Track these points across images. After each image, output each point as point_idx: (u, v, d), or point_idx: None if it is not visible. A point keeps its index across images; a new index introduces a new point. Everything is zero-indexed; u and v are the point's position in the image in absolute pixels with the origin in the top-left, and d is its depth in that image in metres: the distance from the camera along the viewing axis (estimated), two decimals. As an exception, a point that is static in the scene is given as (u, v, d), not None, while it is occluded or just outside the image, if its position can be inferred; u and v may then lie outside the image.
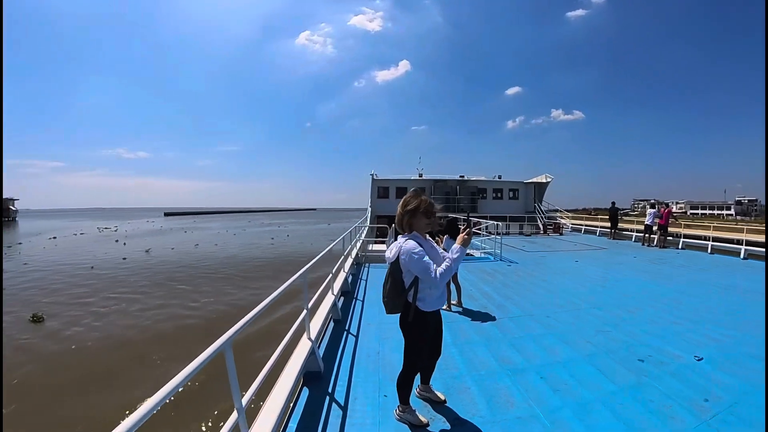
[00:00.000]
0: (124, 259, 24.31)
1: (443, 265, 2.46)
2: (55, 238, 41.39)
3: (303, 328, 3.77)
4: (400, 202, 2.67)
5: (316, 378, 3.61)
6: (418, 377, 3.01)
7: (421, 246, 2.52)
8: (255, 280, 17.88)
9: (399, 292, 2.61)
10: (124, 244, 34.61)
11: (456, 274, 5.31)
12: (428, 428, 2.79)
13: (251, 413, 2.47)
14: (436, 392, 3.14)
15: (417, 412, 2.86)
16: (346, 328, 5.09)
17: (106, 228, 55.99)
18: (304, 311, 3.74)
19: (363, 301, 6.41)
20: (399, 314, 2.68)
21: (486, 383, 3.45)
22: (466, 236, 2.49)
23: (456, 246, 2.48)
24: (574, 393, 3.25)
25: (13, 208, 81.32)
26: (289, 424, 2.88)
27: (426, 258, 2.48)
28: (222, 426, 1.96)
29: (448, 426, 2.83)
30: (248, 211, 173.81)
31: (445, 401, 3.11)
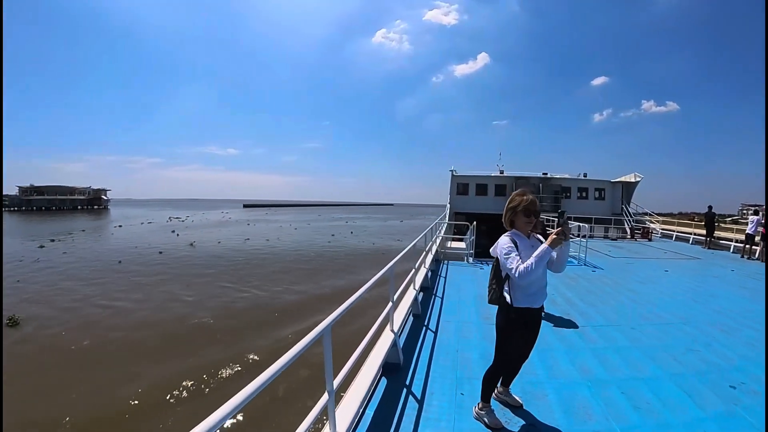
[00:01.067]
0: (161, 253, 24.63)
1: (524, 264, 2.48)
2: (120, 226, 45.02)
3: (387, 320, 3.90)
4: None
5: (395, 369, 3.74)
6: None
7: (513, 243, 2.61)
8: (260, 286, 16.41)
9: (498, 284, 2.76)
10: (177, 234, 36.27)
11: None
12: (504, 430, 2.80)
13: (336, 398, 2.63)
14: (515, 396, 3.13)
15: (495, 413, 2.90)
16: (425, 323, 5.18)
17: (176, 218, 60.43)
18: (390, 303, 3.95)
19: (442, 298, 6.51)
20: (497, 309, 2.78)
21: (564, 392, 3.39)
22: (554, 236, 2.47)
23: (543, 246, 2.49)
24: (656, 413, 3.08)
25: (105, 198, 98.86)
26: (366, 411, 2.99)
27: (513, 255, 2.55)
28: (312, 407, 2.11)
29: (523, 431, 2.80)
30: (325, 205, 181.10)
31: (521, 406, 3.08)
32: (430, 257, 8.21)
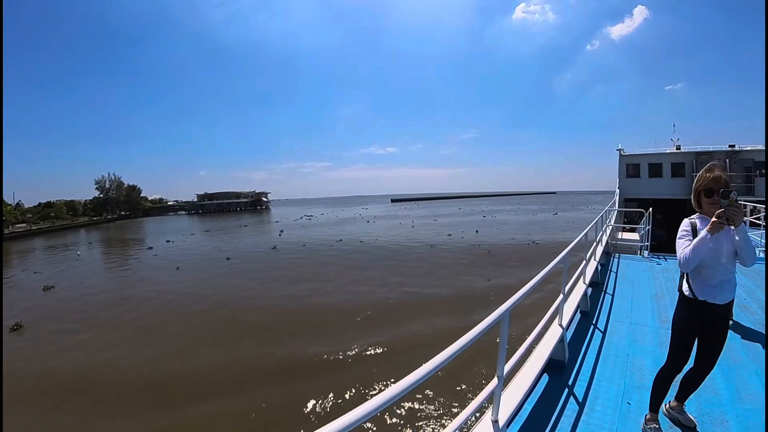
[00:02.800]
0: (228, 259, 26.03)
1: (685, 250, 2.36)
2: (246, 226, 53.27)
3: (556, 313, 3.81)
4: None
5: (559, 366, 3.64)
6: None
7: (692, 228, 2.48)
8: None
9: (682, 273, 2.61)
10: (280, 234, 40.49)
11: None
12: None
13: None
14: (689, 414, 2.82)
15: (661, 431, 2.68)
16: (594, 321, 4.93)
17: (309, 216, 66.78)
18: (561, 296, 3.79)
19: (612, 295, 6.07)
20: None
21: (751, 420, 2.90)
22: (715, 219, 2.24)
23: (702, 231, 2.31)
24: None
25: (265, 200, 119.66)
26: (525, 406, 2.95)
27: (683, 240, 2.45)
28: (484, 387, 2.27)
29: None
30: (478, 196, 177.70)
31: (695, 427, 2.76)
32: (600, 249, 7.67)
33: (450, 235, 33.71)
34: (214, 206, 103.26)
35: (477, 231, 36.17)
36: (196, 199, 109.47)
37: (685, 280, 2.55)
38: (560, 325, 3.76)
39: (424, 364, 1.58)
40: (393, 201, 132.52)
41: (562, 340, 3.65)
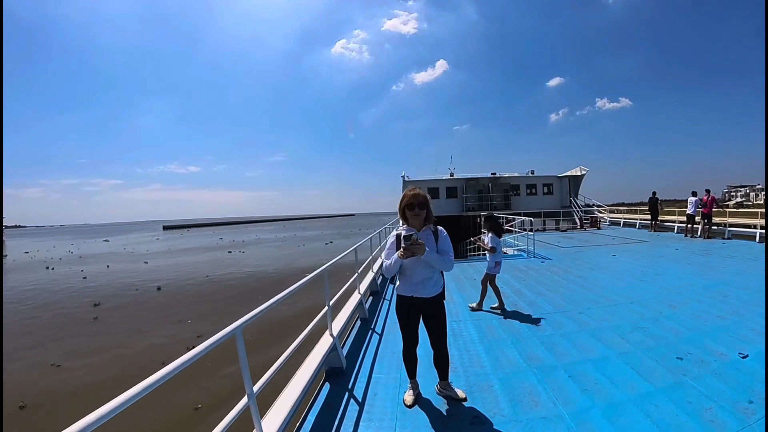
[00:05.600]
0: None
1: (386, 262, 2.96)
2: None
3: (326, 326, 4.06)
4: None
5: (338, 374, 3.84)
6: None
7: (394, 240, 2.98)
8: None
9: None
10: None
11: (493, 277, 5.70)
12: (447, 425, 2.87)
13: (266, 403, 2.72)
14: (456, 390, 3.24)
15: (410, 391, 3.21)
16: (372, 327, 5.32)
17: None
18: (326, 308, 4.00)
19: (391, 301, 6.51)
20: None
21: (511, 382, 3.47)
22: (401, 254, 2.77)
23: (395, 254, 2.87)
24: (605, 393, 3.17)
25: None
26: (308, 417, 3.09)
27: (389, 251, 2.99)
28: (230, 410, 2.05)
29: (467, 424, 2.87)
30: (274, 220, 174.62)
31: (465, 399, 3.18)
32: (379, 262, 8.24)
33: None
34: None
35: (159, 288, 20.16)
36: None
37: (397, 280, 3.07)
38: (331, 335, 3.97)
39: (127, 391, 1.38)
40: (165, 228, 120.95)
41: (334, 348, 3.87)
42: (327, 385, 3.58)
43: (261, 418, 2.38)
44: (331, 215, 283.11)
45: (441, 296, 3.01)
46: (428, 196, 2.99)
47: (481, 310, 5.63)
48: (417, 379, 3.27)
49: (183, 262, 30.07)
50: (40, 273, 27.00)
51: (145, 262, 30.73)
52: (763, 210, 13.35)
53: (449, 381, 3.22)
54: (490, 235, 5.73)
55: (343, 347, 4.36)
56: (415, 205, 2.86)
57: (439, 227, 3.01)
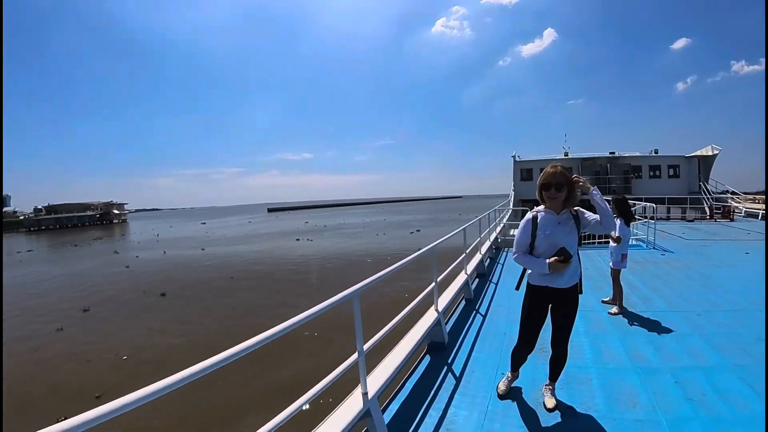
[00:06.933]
0: None
1: (517, 255, 2.72)
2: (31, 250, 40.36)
3: (431, 301, 4.21)
4: None
5: (439, 348, 4.04)
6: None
7: (530, 222, 2.68)
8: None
9: None
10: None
11: (618, 272, 5.19)
12: (538, 411, 2.89)
13: (370, 365, 2.92)
14: (551, 396, 2.99)
15: (507, 382, 3.15)
16: (476, 307, 5.44)
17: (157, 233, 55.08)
18: (433, 284, 4.19)
19: (497, 284, 6.74)
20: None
21: (610, 378, 3.36)
22: (559, 265, 2.54)
23: (542, 261, 2.60)
24: (711, 406, 2.91)
25: (116, 212, 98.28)
26: (407, 384, 3.34)
27: (522, 235, 2.71)
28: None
29: (558, 415, 2.84)
30: (378, 202, 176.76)
31: (550, 410, 2.92)
32: (487, 244, 8.68)
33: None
34: (52, 222, 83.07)
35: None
36: (33, 213, 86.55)
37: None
38: (436, 310, 4.13)
39: (257, 335, 1.73)
40: (270, 210, 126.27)
41: (438, 323, 4.04)
42: (428, 357, 3.85)
43: (366, 375, 2.65)
44: (436, 197, 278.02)
45: (577, 287, 2.75)
46: (568, 176, 2.61)
47: (622, 313, 4.95)
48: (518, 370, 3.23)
49: (234, 252, 28.57)
50: (104, 257, 30.11)
51: (202, 249, 30.63)
52: None
53: (553, 384, 3.03)
54: (618, 221, 5.09)
55: (446, 324, 4.48)
56: (552, 185, 2.57)
57: (580, 209, 2.70)
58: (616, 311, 5.01)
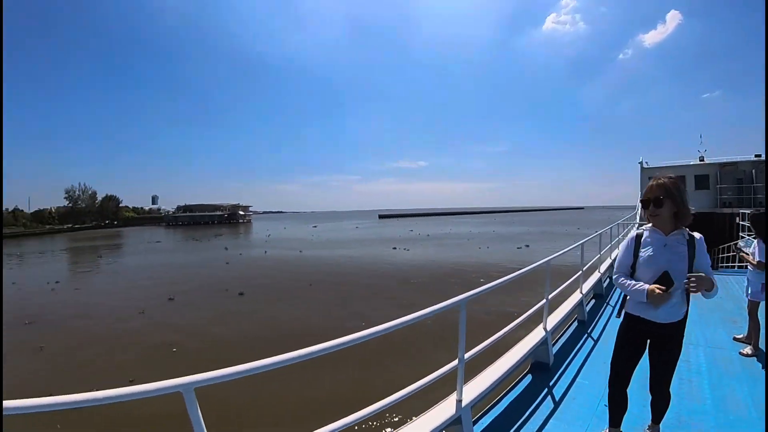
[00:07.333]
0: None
1: (619, 276, 2.42)
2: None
3: (540, 320, 4.10)
4: None
5: (543, 369, 3.88)
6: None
7: (633, 240, 2.42)
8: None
9: None
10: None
11: (757, 305, 4.39)
12: None
13: (469, 374, 2.91)
14: None
15: None
16: (588, 330, 5.11)
17: (269, 233, 60.77)
18: (543, 300, 4.03)
19: (614, 307, 6.23)
20: None
21: (730, 431, 2.90)
22: (656, 292, 2.17)
23: (643, 287, 2.23)
24: None
25: (242, 213, 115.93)
26: (503, 400, 3.24)
27: (623, 255, 2.45)
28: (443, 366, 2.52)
29: None
30: (494, 212, 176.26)
31: None
32: (607, 262, 7.91)
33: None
34: (187, 219, 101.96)
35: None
36: (175, 211, 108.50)
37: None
38: (544, 328, 4.01)
39: (379, 326, 1.93)
40: (381, 217, 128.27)
41: (545, 342, 3.90)
42: (529, 377, 3.69)
43: (464, 383, 2.67)
44: (554, 208, 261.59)
45: (681, 325, 2.33)
46: (673, 189, 2.25)
47: (756, 355, 4.18)
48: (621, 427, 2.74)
49: (328, 256, 28.80)
50: (214, 252, 34.56)
51: (300, 251, 32.04)
52: None
53: (658, 425, 2.67)
54: (759, 243, 4.29)
55: (554, 345, 4.31)
56: (650, 201, 2.27)
57: (696, 234, 2.32)
58: (750, 352, 4.30)
